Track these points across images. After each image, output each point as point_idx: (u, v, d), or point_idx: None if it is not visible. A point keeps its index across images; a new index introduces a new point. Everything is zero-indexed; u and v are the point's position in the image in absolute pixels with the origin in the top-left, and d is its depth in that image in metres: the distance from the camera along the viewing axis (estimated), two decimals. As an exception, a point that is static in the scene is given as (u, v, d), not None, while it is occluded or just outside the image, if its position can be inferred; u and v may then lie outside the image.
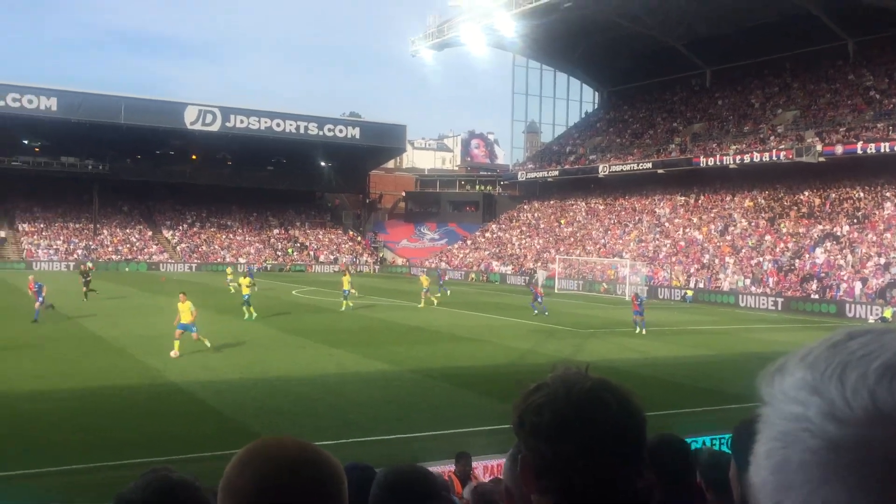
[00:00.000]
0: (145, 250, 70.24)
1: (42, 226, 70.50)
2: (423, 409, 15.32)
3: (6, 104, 61.55)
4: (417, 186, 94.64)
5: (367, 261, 76.13)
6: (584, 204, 69.80)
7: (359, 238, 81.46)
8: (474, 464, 9.85)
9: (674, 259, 53.41)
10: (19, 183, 70.55)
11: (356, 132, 75.71)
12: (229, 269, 50.00)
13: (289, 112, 73.99)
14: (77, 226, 71.49)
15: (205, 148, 72.82)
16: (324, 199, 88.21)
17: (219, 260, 70.23)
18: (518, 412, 1.35)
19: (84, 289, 35.66)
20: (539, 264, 61.71)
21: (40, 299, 27.21)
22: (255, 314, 29.39)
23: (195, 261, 69.80)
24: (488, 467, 10.40)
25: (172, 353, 19.98)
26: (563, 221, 69.19)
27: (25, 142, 69.25)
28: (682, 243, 55.22)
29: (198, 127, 68.68)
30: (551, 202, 73.81)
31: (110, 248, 69.20)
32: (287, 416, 14.34)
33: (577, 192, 71.03)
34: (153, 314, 29.91)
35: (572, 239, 64.91)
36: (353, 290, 35.20)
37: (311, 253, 76.08)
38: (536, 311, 33.68)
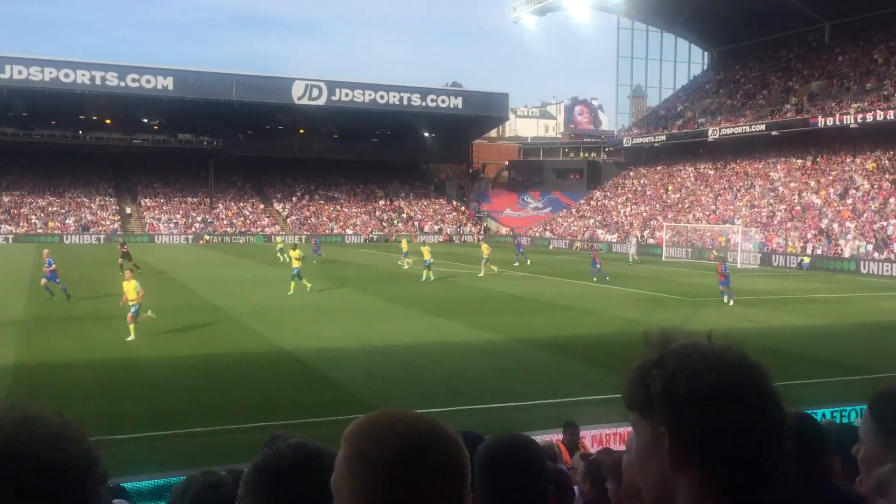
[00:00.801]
0: (258, 223, 72.70)
1: (162, 200, 73.96)
2: (530, 379, 15.35)
3: (126, 84, 64.66)
4: (520, 155, 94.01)
5: (471, 230, 76.40)
6: (692, 169, 67.73)
7: (462, 208, 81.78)
8: (582, 433, 9.83)
9: (789, 225, 51.25)
10: (141, 160, 74.28)
11: (458, 102, 75.74)
12: (279, 240, 50.59)
13: (392, 84, 74.67)
14: (194, 200, 74.63)
15: (312, 122, 74.46)
16: (428, 170, 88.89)
17: (327, 231, 72.01)
18: (661, 378, 1.24)
19: (120, 261, 34.22)
20: (636, 231, 60.44)
21: (52, 274, 25.67)
22: (308, 285, 28.10)
23: (304, 232, 71.80)
24: (596, 437, 10.36)
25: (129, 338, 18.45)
26: (670, 188, 67.38)
27: (145, 120, 72.68)
28: (799, 208, 52.88)
29: (305, 101, 70.28)
30: (658, 168, 71.95)
31: (225, 222, 71.96)
32: (396, 384, 14.66)
33: (685, 157, 68.95)
34: (267, 285, 30.97)
35: (680, 205, 63.17)
36: (490, 265, 35.90)
37: (416, 223, 76.94)
38: (596, 279, 33.35)
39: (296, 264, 28.67)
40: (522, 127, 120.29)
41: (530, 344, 18.81)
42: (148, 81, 65.39)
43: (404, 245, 41.61)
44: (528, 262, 42.71)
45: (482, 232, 75.98)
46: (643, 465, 1.28)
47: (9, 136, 67.83)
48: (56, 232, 64.93)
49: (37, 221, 66.86)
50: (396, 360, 16.74)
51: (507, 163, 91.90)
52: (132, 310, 18.77)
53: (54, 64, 63.37)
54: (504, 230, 77.57)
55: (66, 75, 63.16)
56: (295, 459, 1.69)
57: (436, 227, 76.01)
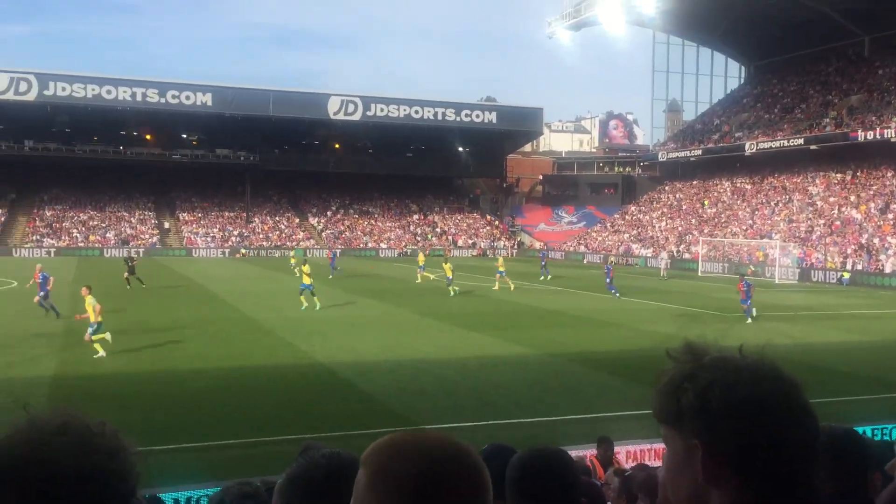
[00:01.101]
0: (293, 237, 73.32)
1: (200, 215, 74.96)
2: (564, 393, 15.27)
3: (166, 101, 65.84)
4: (555, 169, 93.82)
5: (504, 245, 76.32)
6: (728, 184, 67.01)
7: (496, 222, 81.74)
8: (616, 449, 9.75)
9: (828, 240, 50.42)
10: (179, 175, 75.44)
11: (493, 117, 75.92)
12: (292, 254, 50.56)
13: (426, 99, 75.10)
14: (231, 214, 75.56)
15: (347, 137, 75.14)
16: (463, 184, 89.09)
17: (361, 245, 72.43)
18: (693, 391, 1.23)
19: (126, 275, 34.34)
20: (667, 247, 59.87)
21: (42, 292, 24.41)
22: (318, 304, 26.88)
23: (339, 246, 72.24)
24: (631, 452, 10.25)
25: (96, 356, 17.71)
26: (706, 202, 66.71)
27: (184, 136, 73.89)
28: (838, 223, 52.02)
29: (340, 117, 70.96)
30: (694, 182, 71.32)
31: (261, 236, 72.71)
32: (428, 397, 14.66)
33: (721, 171, 68.27)
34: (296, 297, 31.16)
35: (716, 220, 62.51)
36: (506, 280, 35.50)
37: (450, 237, 77.04)
38: (617, 293, 33.24)
39: (306, 280, 27.44)
40: (557, 141, 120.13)
41: (563, 358, 18.71)
42: (187, 98, 66.54)
43: (420, 259, 42.10)
44: (549, 277, 42.60)
45: (516, 246, 75.84)
46: (675, 478, 1.27)
47: (52, 151, 69.36)
48: (97, 245, 66.11)
49: (78, 235, 68.12)
50: (428, 373, 16.76)
51: (540, 177, 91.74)
52: (89, 329, 18.00)
53: (96, 81, 64.75)
54: (538, 244, 77.35)
55: (108, 92, 64.48)
56: (329, 469, 1.70)
57: (469, 242, 76.04)
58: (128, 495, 1.24)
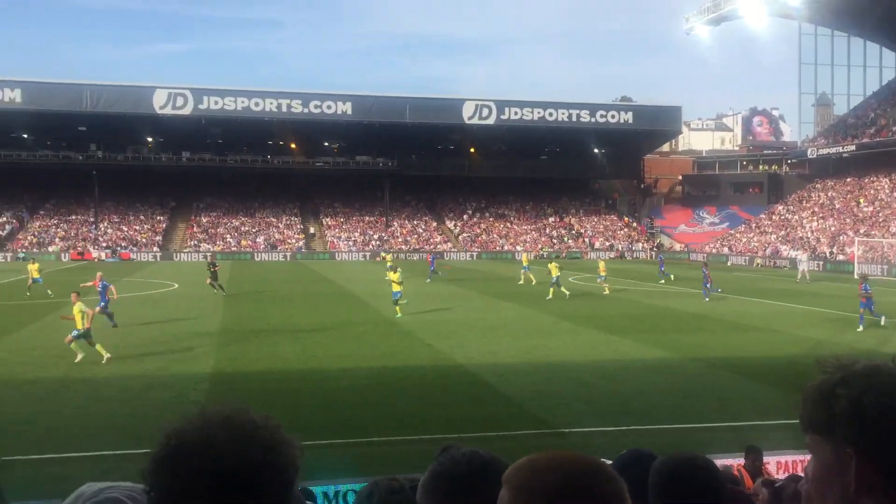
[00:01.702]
0: (430, 240, 74.57)
1: (342, 220, 77.58)
2: (708, 399, 14.78)
3: (309, 111, 68.61)
4: (695, 169, 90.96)
5: (643, 247, 74.62)
6: (887, 181, 62.77)
7: (634, 224, 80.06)
8: (766, 459, 9.37)
9: None
10: (322, 182, 78.41)
11: (629, 117, 74.46)
12: (389, 257, 50.25)
13: (560, 101, 74.57)
14: (371, 219, 77.73)
15: (481, 140, 75.68)
16: (600, 187, 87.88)
17: (497, 248, 72.77)
18: (847, 397, 1.21)
19: (209, 280, 34.27)
20: (800, 249, 56.58)
21: (103, 302, 22.66)
22: (399, 313, 25.89)
23: (475, 249, 72.82)
24: (782, 463, 9.82)
25: (76, 360, 17.42)
26: (862, 200, 62.76)
27: (326, 144, 76.72)
28: None
29: (475, 121, 71.59)
30: (847, 180, 67.27)
31: (400, 239, 74.38)
32: (565, 401, 14.55)
33: (878, 167, 64.03)
34: (437, 300, 31.70)
35: (874, 219, 58.67)
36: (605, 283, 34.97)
37: (587, 240, 76.11)
38: (708, 299, 31.73)
39: (396, 288, 26.55)
40: (696, 140, 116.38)
41: (707, 363, 18.11)
42: (328, 107, 69.06)
43: (525, 259, 42.29)
44: (672, 278, 41.78)
45: (655, 248, 74.00)
46: (823, 489, 1.25)
47: (206, 161, 73.82)
48: (247, 250, 69.72)
49: (231, 240, 72.05)
50: (566, 377, 16.64)
51: (680, 177, 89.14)
52: (73, 332, 17.60)
53: (245, 94, 68.30)
54: (678, 246, 75.14)
55: (256, 104, 67.88)
56: (470, 467, 1.77)
57: (607, 244, 74.84)
58: (285, 487, 1.33)
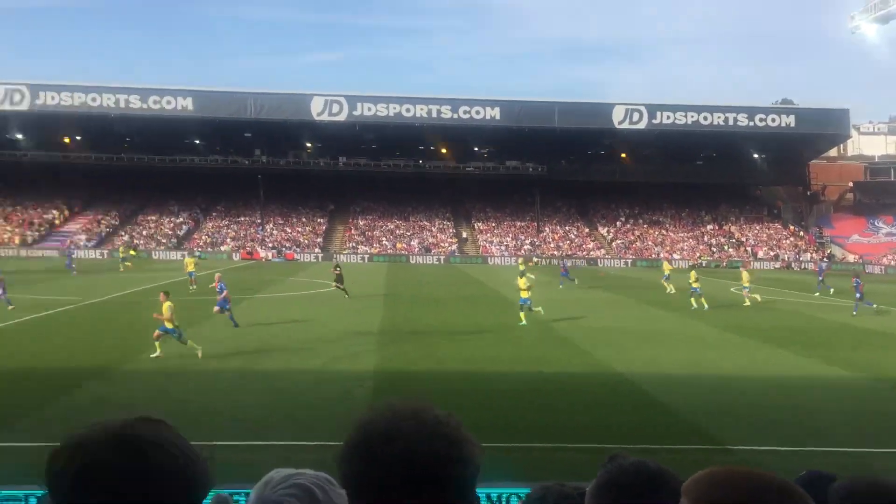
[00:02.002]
0: (583, 246, 73.74)
1: (493, 224, 78.15)
2: (891, 423, 13.78)
3: (458, 116, 69.67)
4: (867, 175, 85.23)
5: (811, 257, 70.54)
6: None
7: (801, 233, 75.86)
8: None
9: None
10: (473, 186, 79.29)
11: (790, 120, 70.72)
12: (521, 261, 49.09)
13: (715, 104, 71.83)
14: (522, 224, 77.82)
15: (632, 145, 74.14)
16: (762, 194, 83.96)
17: (653, 256, 70.94)
18: None
19: (334, 285, 33.74)
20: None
21: (223, 301, 23.78)
22: (523, 321, 25.28)
23: (629, 256, 71.34)
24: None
25: (153, 355, 18.14)
26: None
27: (475, 148, 77.58)
28: None
29: (625, 126, 70.25)
30: None
31: (552, 245, 74.02)
32: (738, 418, 13.93)
33: None
34: (594, 307, 31.32)
35: None
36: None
37: (749, 249, 72.85)
38: (855, 312, 29.63)
39: (523, 294, 25.98)
40: (868, 144, 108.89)
41: (890, 384, 16.90)
42: (477, 112, 69.77)
43: (665, 268, 41.19)
44: (831, 292, 39.35)
45: (826, 258, 69.83)
46: None
47: (361, 166, 76.39)
48: (403, 252, 71.56)
49: (386, 243, 74.22)
50: (731, 390, 15.98)
51: (850, 184, 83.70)
52: (161, 328, 18.39)
53: (397, 100, 70.13)
54: (851, 257, 70.48)
55: (407, 110, 69.60)
56: (639, 477, 1.77)
57: (771, 254, 71.32)
58: (468, 481, 1.40)
